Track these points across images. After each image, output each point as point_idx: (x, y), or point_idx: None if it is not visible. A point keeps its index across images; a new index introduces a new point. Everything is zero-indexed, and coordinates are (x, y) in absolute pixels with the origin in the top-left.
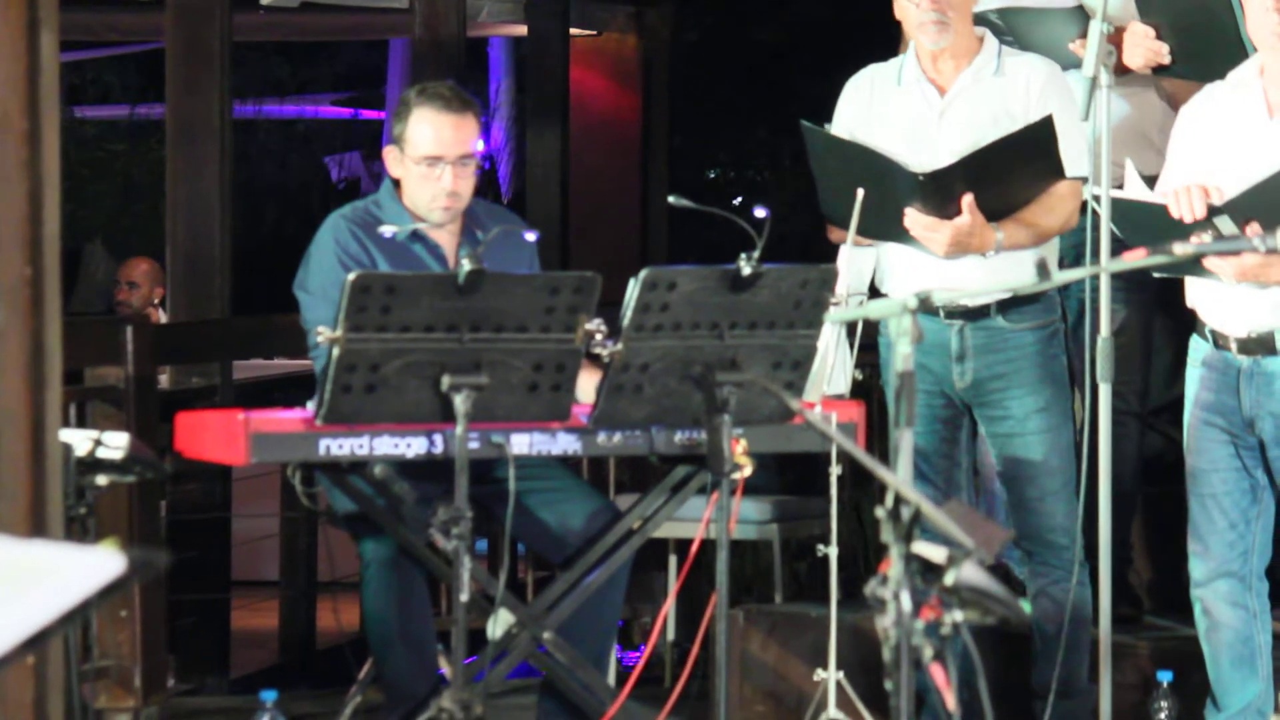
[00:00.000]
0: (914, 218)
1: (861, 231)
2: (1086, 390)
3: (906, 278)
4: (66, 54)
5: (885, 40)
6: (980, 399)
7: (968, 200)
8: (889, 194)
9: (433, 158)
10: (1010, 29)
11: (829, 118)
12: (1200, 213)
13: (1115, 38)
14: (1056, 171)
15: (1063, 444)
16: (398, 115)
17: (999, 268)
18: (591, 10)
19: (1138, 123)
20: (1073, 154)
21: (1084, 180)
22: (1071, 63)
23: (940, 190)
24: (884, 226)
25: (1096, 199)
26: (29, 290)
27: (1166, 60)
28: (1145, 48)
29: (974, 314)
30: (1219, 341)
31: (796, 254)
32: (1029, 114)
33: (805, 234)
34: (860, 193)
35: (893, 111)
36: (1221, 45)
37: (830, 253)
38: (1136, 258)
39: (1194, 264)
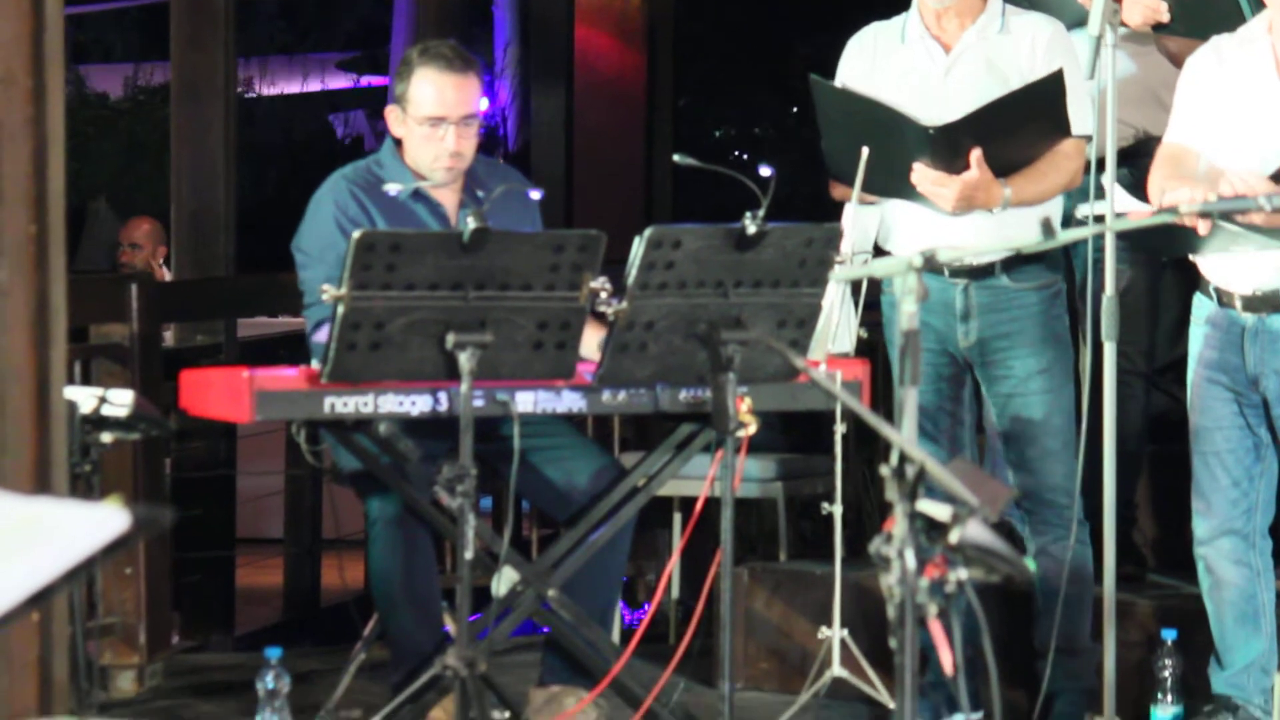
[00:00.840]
0: (922, 173)
1: (867, 188)
2: (1089, 349)
3: (911, 235)
4: (70, 8)
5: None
6: (983, 358)
7: (976, 155)
8: (897, 149)
9: (435, 118)
10: None
11: (810, 81)
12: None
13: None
14: (1063, 128)
15: (1064, 404)
16: (399, 75)
17: (1004, 226)
18: None
19: (1145, 81)
20: (1078, 111)
21: (1089, 138)
22: (1080, 17)
23: (949, 145)
24: (890, 183)
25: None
26: (34, 247)
27: (1165, 18)
28: (1144, 4)
29: (979, 273)
30: (1223, 299)
31: (802, 213)
32: (1034, 72)
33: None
34: (865, 151)
35: (897, 69)
36: (1219, 4)
37: (835, 212)
38: (1143, 216)
39: (1200, 242)
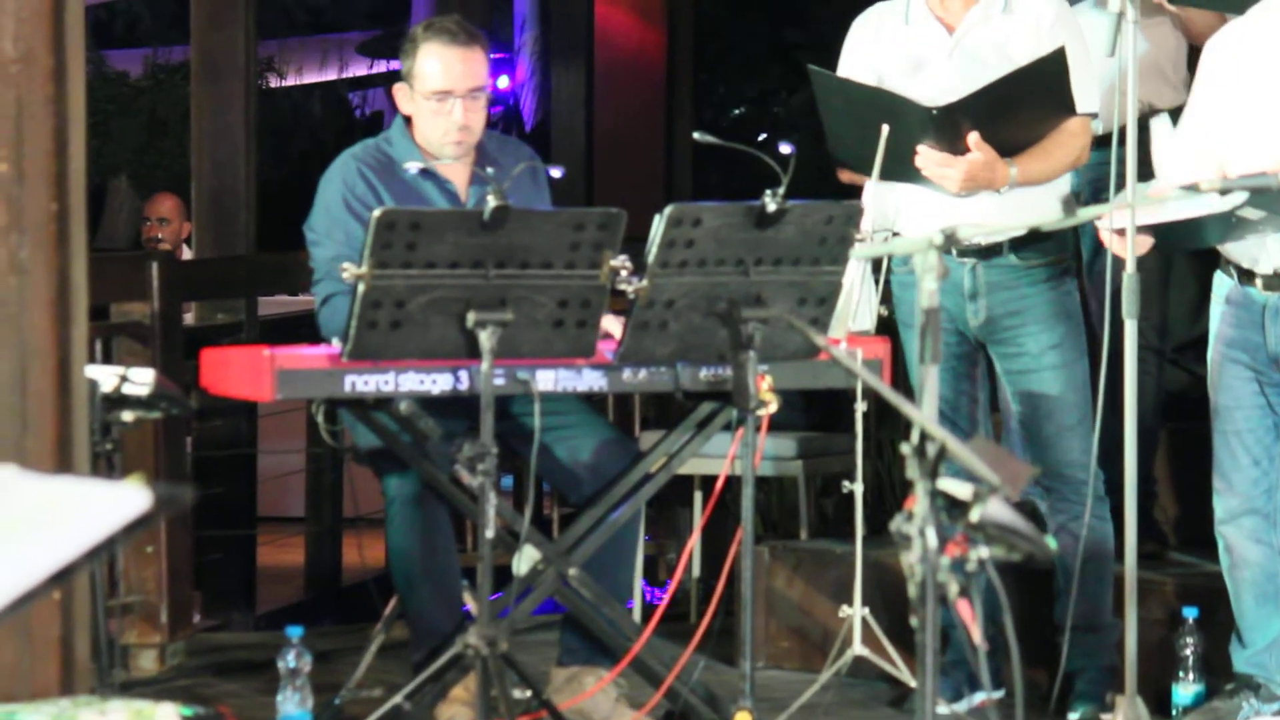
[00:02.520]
0: (926, 155)
1: (870, 173)
2: (1106, 327)
3: (921, 218)
4: None
5: None
6: (994, 336)
7: (974, 138)
8: (900, 133)
9: (442, 92)
10: None
11: (809, 71)
12: None
13: None
14: (1067, 106)
15: (1077, 379)
16: (405, 52)
17: (1016, 205)
18: None
19: (1152, 56)
20: (1082, 90)
21: (1094, 116)
22: None
23: (953, 125)
24: (896, 167)
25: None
26: (55, 226)
27: None
28: None
29: (987, 252)
30: (1243, 278)
31: (823, 191)
32: (1038, 51)
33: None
34: (885, 128)
35: (900, 50)
36: None
37: (855, 190)
38: (1161, 194)
39: (1223, 232)
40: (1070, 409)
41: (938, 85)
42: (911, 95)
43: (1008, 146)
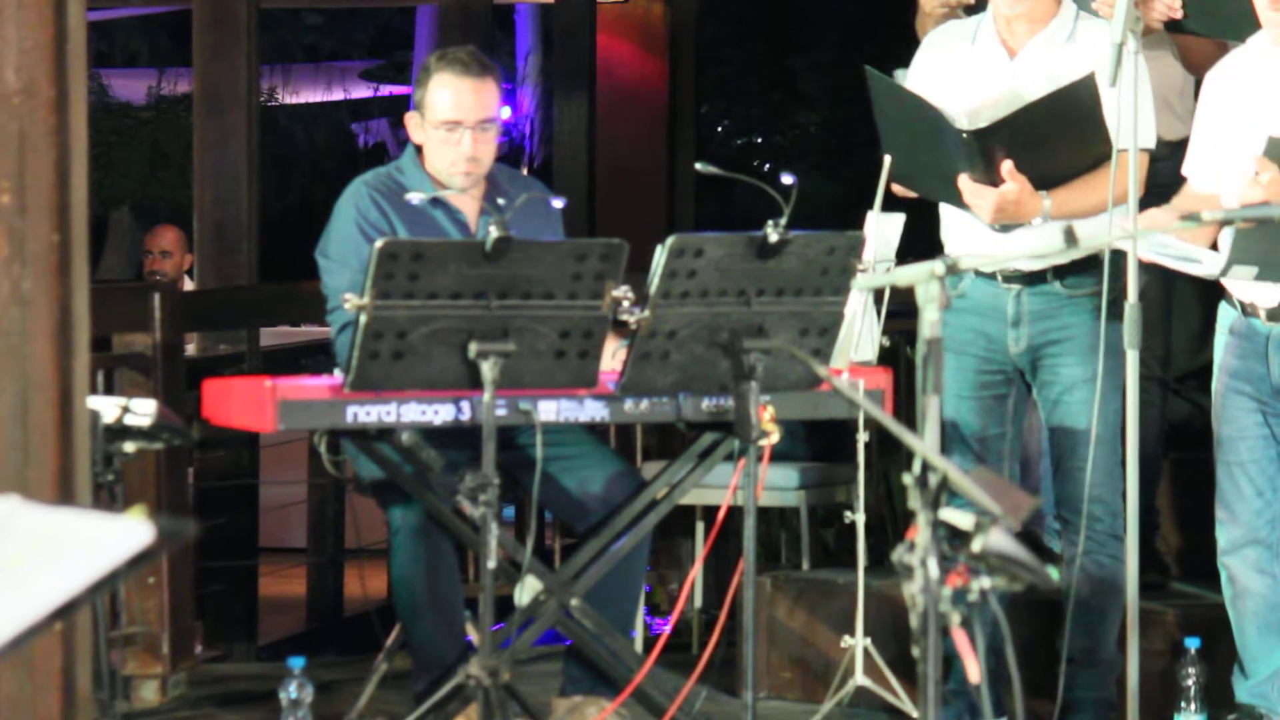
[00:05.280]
0: (964, 184)
1: (919, 188)
2: (1101, 357)
3: (965, 239)
4: (93, 13)
5: (912, 8)
6: (1034, 364)
7: (1008, 167)
8: (942, 152)
9: (452, 122)
10: None
11: (860, 82)
12: None
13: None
14: (1103, 137)
15: (1108, 415)
16: (419, 81)
17: (1042, 232)
18: None
19: (1157, 87)
20: (1141, 123)
21: (1149, 151)
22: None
23: (987, 151)
24: (939, 186)
25: None
26: (56, 257)
27: (1179, 14)
28: (1161, 1)
29: (1031, 279)
30: (1247, 309)
31: (825, 221)
32: (1103, 81)
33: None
34: (888, 159)
35: (963, 70)
36: (1236, 1)
37: (857, 220)
38: (1162, 224)
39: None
40: (1098, 443)
41: (991, 108)
42: (965, 118)
43: (1046, 179)
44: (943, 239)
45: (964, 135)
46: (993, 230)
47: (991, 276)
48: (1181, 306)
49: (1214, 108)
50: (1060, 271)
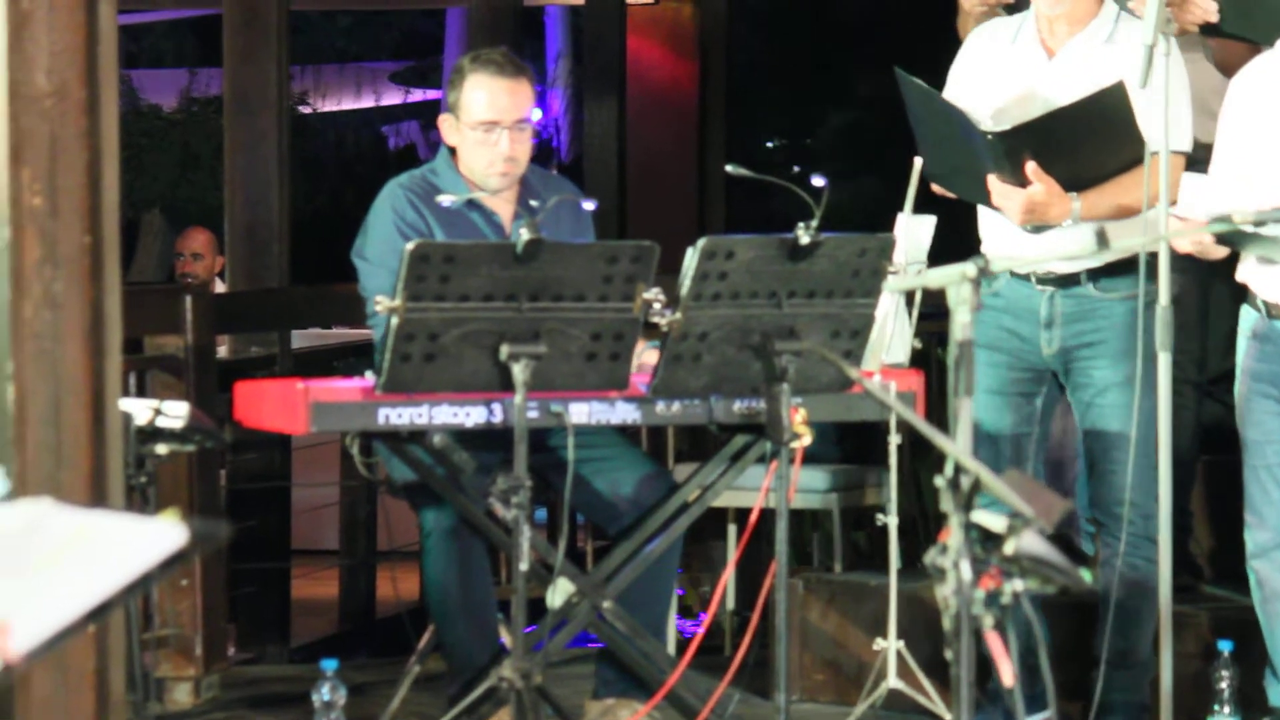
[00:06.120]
0: (993, 185)
1: (954, 189)
2: (1139, 359)
3: (999, 240)
4: (123, 16)
5: (945, 10)
6: (1066, 366)
7: (1032, 168)
8: (973, 154)
9: (489, 123)
10: None
11: (890, 83)
12: None
13: (1174, 2)
14: (1134, 140)
15: (1142, 417)
16: (452, 83)
17: (1071, 234)
18: None
19: (1194, 89)
20: (1175, 127)
21: (1184, 154)
22: None
23: (1014, 153)
24: (971, 187)
25: None
26: (88, 259)
27: (1215, 18)
28: (1195, 4)
29: (1065, 281)
30: (1270, 311)
31: (856, 224)
32: (1136, 83)
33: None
34: (918, 161)
35: (1002, 69)
36: (1272, 5)
37: (888, 222)
38: (1195, 226)
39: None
40: (1130, 445)
41: (1028, 108)
42: (1003, 117)
43: (1076, 181)
44: (981, 238)
45: (989, 137)
46: (1025, 232)
47: (1026, 278)
48: (1217, 309)
49: (1241, 110)
50: (1094, 274)
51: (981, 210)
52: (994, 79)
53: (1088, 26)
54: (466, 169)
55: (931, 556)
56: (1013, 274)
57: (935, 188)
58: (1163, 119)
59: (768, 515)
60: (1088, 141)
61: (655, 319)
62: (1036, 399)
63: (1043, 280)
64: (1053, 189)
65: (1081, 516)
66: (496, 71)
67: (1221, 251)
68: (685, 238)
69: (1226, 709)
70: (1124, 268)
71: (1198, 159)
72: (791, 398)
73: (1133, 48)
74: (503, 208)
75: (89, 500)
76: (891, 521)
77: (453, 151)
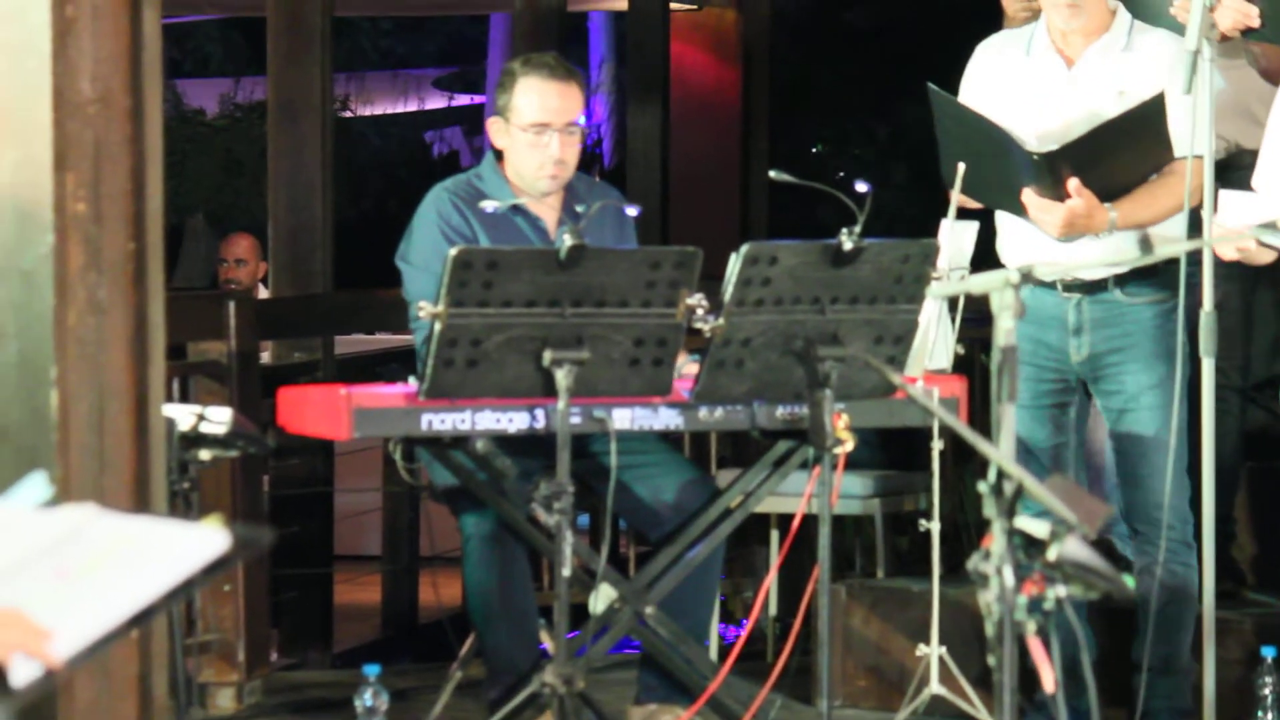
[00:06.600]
0: (1029, 198)
1: (980, 199)
2: (1183, 365)
3: (1024, 248)
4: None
5: (987, 14)
6: (1096, 373)
7: (1074, 184)
8: (1007, 168)
9: (540, 125)
10: None
11: (927, 90)
12: None
13: (1214, 7)
14: (1165, 148)
15: (1176, 422)
16: (502, 86)
17: (1111, 241)
18: None
19: (1236, 94)
20: (1205, 131)
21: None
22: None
23: (1054, 171)
24: (1001, 198)
25: None
26: (132, 265)
27: (1256, 23)
28: (1235, 9)
29: (1092, 288)
30: None
31: (901, 230)
32: (1155, 89)
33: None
34: (961, 167)
35: (1019, 81)
36: None
37: (932, 228)
38: (1239, 232)
39: None
40: (1165, 450)
41: (1051, 120)
42: (1024, 129)
43: (1107, 189)
44: (999, 250)
45: (1034, 157)
46: (1058, 241)
47: (1050, 286)
48: (1261, 315)
49: None
50: (1121, 280)
51: (1002, 221)
52: (1013, 91)
53: (1103, 37)
54: (514, 172)
55: (974, 562)
56: (1036, 282)
57: (961, 199)
58: (1202, 124)
59: (810, 521)
60: (1125, 152)
61: (698, 325)
62: (1070, 408)
63: (1069, 288)
64: (1091, 202)
65: (1118, 522)
66: (548, 74)
67: (1268, 256)
68: (728, 243)
69: (1270, 715)
70: (1151, 272)
71: (1243, 165)
72: (834, 403)
73: (1153, 55)
74: (547, 213)
75: (132, 506)
76: (934, 527)
77: (498, 156)
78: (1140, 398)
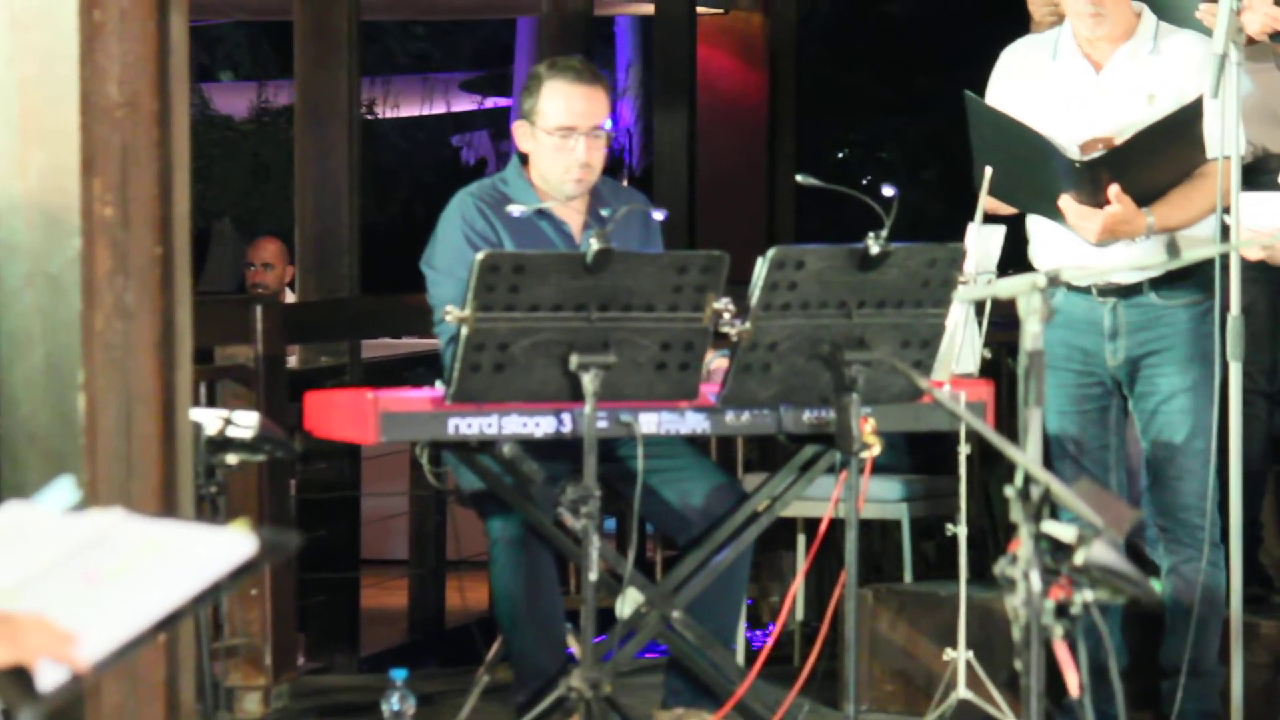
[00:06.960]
0: (1067, 205)
1: (1015, 204)
2: (1216, 368)
3: (1058, 253)
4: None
5: (1016, 18)
6: (1131, 376)
7: (1114, 191)
8: (1045, 174)
9: (566, 128)
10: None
11: (957, 95)
12: None
13: (1241, 10)
14: (1199, 151)
15: (1205, 424)
16: (527, 90)
17: (1140, 244)
18: None
19: (1263, 98)
20: (1233, 133)
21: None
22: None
23: (1094, 178)
24: (1038, 204)
25: None
26: (159, 270)
27: None
28: (1263, 12)
29: (1127, 291)
30: None
31: (927, 234)
32: (1183, 91)
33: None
34: (989, 170)
35: (1047, 86)
36: None
37: (959, 233)
38: (1267, 235)
39: None
40: (1195, 453)
41: (1080, 124)
42: (1056, 134)
43: (1142, 193)
44: (1031, 255)
45: (1076, 165)
46: (1088, 246)
47: (1085, 290)
48: None
49: None
50: (1156, 283)
51: (1034, 226)
52: (1042, 95)
53: (1130, 40)
54: (540, 176)
55: (1001, 567)
56: (1070, 287)
57: (991, 204)
58: (1230, 126)
59: (837, 525)
60: (1162, 156)
61: (725, 329)
62: (1109, 411)
63: (1104, 292)
64: (1129, 208)
65: (1148, 525)
66: (575, 78)
67: None
68: (755, 248)
69: None
70: (1185, 275)
71: (1269, 169)
72: (861, 408)
73: (1180, 58)
74: (573, 217)
75: (159, 510)
76: (961, 532)
77: (523, 160)
78: (1173, 400)
